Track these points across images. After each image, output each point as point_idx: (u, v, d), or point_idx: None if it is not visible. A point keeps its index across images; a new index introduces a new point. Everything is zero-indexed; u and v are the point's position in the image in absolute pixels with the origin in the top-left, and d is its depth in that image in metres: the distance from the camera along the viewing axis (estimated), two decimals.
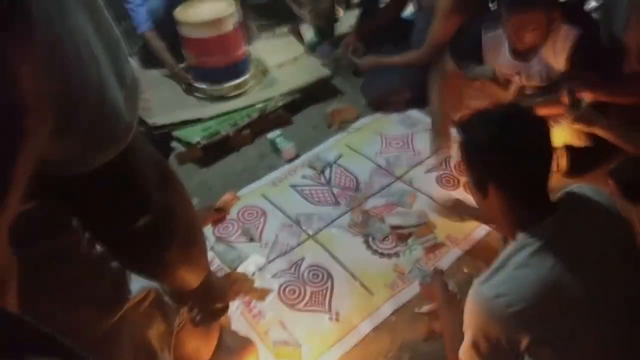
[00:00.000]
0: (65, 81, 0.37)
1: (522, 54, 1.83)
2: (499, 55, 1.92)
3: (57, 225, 0.51)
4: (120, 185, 0.48)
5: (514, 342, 0.91)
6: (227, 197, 1.97)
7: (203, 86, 2.47)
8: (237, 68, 2.47)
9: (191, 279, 0.76)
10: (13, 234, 0.40)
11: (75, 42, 0.37)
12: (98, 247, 0.65)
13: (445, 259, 1.68)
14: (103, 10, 0.43)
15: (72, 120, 0.39)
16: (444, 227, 1.79)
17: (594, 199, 1.03)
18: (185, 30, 2.33)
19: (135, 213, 0.52)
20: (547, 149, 1.00)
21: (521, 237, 0.97)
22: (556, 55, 1.78)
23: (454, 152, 2.06)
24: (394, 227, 1.77)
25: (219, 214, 1.91)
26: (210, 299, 0.96)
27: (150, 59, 2.68)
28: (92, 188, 0.46)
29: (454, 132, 2.09)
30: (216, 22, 2.28)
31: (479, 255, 1.68)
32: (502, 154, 0.97)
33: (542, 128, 1.00)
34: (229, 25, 2.31)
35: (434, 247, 1.72)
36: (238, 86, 2.48)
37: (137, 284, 0.76)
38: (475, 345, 0.96)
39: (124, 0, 2.52)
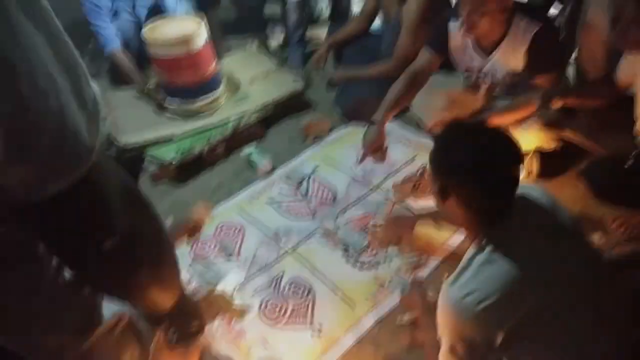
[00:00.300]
0: (20, 107, 0.35)
1: (484, 47, 1.91)
2: (466, 48, 1.98)
3: (23, 254, 0.48)
4: (85, 208, 0.47)
5: (489, 340, 0.94)
6: (200, 207, 1.91)
7: (174, 104, 2.45)
8: (208, 85, 2.45)
9: (164, 299, 0.73)
10: None
11: (31, 66, 0.36)
12: (66, 274, 0.62)
13: (426, 268, 1.69)
14: (61, 34, 0.41)
15: (30, 146, 0.37)
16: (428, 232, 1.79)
17: (537, 196, 1.10)
18: (153, 50, 2.30)
19: (102, 235, 0.50)
20: (515, 168, 1.02)
21: (482, 237, 1.01)
22: (516, 50, 1.84)
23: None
24: None
25: (193, 227, 1.87)
26: (186, 320, 0.93)
27: (119, 79, 2.65)
28: (56, 212, 0.44)
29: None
30: (185, 40, 2.26)
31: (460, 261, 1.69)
32: (470, 172, 1.00)
33: (512, 148, 1.02)
34: (198, 43, 2.30)
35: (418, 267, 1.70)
36: (210, 103, 2.46)
37: (109, 309, 0.74)
38: (452, 350, 0.99)
39: (90, 22, 2.49)
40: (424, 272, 1.67)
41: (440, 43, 2.05)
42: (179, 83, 2.38)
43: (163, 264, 0.65)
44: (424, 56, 2.05)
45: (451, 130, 1.10)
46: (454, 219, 1.11)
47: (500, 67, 1.95)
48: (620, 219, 1.70)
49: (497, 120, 1.87)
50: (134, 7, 2.75)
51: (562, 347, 0.96)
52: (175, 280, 0.72)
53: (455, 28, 1.97)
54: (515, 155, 1.01)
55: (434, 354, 1.10)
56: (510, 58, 1.88)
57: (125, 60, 2.48)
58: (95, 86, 0.45)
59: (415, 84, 2.02)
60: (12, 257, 0.46)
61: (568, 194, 1.80)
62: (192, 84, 2.38)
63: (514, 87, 1.98)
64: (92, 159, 0.43)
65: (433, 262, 1.70)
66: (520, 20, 1.80)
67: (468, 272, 0.98)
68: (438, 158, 1.07)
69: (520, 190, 1.07)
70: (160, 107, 2.47)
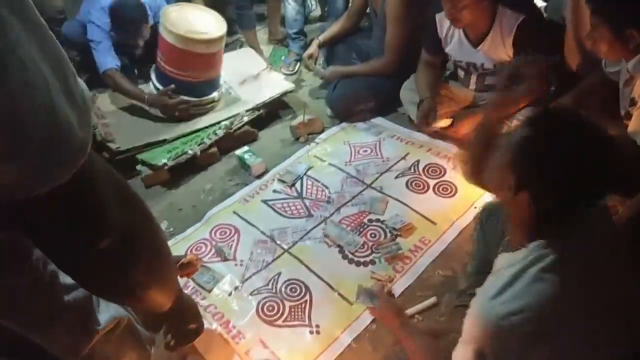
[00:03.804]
0: (11, 102, 0.35)
1: (472, 39, 1.95)
2: (453, 37, 2.01)
3: (17, 261, 0.48)
4: (77, 208, 0.46)
5: (525, 357, 0.87)
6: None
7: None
8: (213, 84, 2.47)
9: (162, 300, 0.73)
10: None
11: (19, 60, 0.36)
12: (60, 280, 0.62)
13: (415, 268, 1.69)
14: (45, 28, 0.41)
15: (21, 143, 0.37)
16: (422, 229, 1.81)
17: (601, 217, 0.99)
18: (172, 40, 2.24)
19: (96, 235, 0.50)
20: (607, 172, 0.89)
21: (534, 248, 0.90)
22: (503, 40, 1.87)
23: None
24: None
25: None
26: (184, 320, 0.93)
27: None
28: (49, 212, 0.43)
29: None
30: (214, 40, 2.25)
31: (453, 257, 1.70)
32: (561, 164, 0.86)
33: (612, 149, 0.89)
34: (221, 45, 2.30)
35: (396, 257, 1.72)
36: (210, 103, 2.45)
37: (107, 313, 0.73)
38: (479, 356, 0.90)
39: (91, 40, 2.44)
40: (417, 268, 1.67)
41: (434, 45, 2.10)
42: (186, 78, 2.35)
43: (160, 262, 0.65)
44: (424, 58, 2.17)
45: (545, 119, 0.95)
46: (515, 217, 0.98)
47: (488, 58, 1.97)
48: None
49: (492, 113, 1.88)
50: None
51: None
52: (173, 279, 0.72)
53: (442, 20, 2.00)
54: (612, 159, 0.88)
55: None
56: (499, 48, 1.91)
57: (121, 77, 2.44)
58: (82, 82, 0.44)
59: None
60: (5, 262, 0.46)
61: None
62: (199, 81, 2.37)
63: (505, 77, 1.99)
64: (86, 154, 0.43)
65: (406, 278, 1.66)
66: (504, 11, 1.83)
67: (514, 288, 0.87)
68: (526, 147, 0.91)
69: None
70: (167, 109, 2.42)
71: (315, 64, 2.72)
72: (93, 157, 0.46)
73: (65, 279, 0.61)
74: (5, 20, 0.35)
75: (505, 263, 0.93)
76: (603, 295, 0.89)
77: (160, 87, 2.41)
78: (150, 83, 2.51)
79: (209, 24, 2.30)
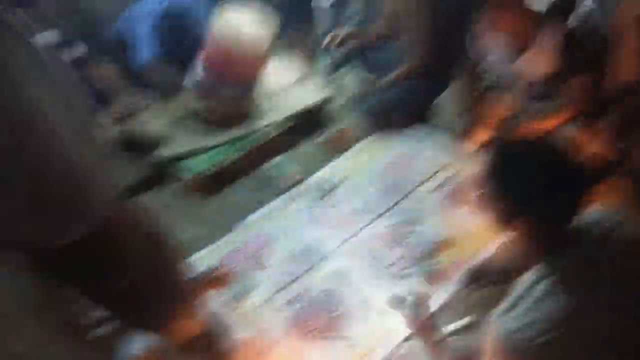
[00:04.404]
0: (29, 161, 0.36)
1: (512, 50, 1.89)
2: (493, 48, 1.98)
3: (48, 298, 0.50)
4: (102, 254, 0.47)
5: None
6: (222, 271, 1.83)
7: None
8: (249, 88, 2.48)
9: (189, 326, 0.74)
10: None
11: (35, 119, 0.36)
12: (92, 314, 0.63)
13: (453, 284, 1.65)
14: (66, 78, 0.41)
15: (39, 197, 0.37)
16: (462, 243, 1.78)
17: (608, 225, 1.00)
18: (220, 39, 2.28)
19: (119, 277, 0.51)
20: (582, 188, 0.95)
21: (540, 266, 0.94)
22: (545, 53, 1.81)
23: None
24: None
25: (219, 282, 1.75)
26: (216, 340, 0.94)
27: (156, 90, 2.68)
28: (74, 256, 0.45)
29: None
30: (261, 44, 2.30)
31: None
32: (543, 188, 0.92)
33: (579, 167, 0.95)
34: (266, 49, 2.34)
35: (433, 273, 1.69)
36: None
37: (139, 343, 0.75)
38: None
39: (129, 34, 2.51)
40: (434, 301, 1.59)
41: (473, 55, 2.06)
42: (227, 79, 2.37)
43: (182, 299, 0.66)
44: (463, 68, 2.12)
45: (510, 147, 1.02)
46: (519, 242, 1.02)
47: (532, 69, 1.92)
48: None
49: (533, 127, 1.83)
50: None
51: None
52: (196, 310, 0.73)
53: (481, 30, 1.96)
54: (582, 173, 0.94)
55: None
56: (541, 60, 1.85)
57: (163, 68, 2.50)
58: (103, 124, 0.45)
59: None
60: (40, 301, 0.48)
61: (616, 197, 1.72)
62: (241, 84, 2.40)
63: (548, 90, 1.94)
64: (106, 207, 0.44)
65: (442, 295, 1.61)
66: (548, 22, 1.78)
67: (525, 303, 0.90)
68: (499, 179, 0.98)
69: (589, 216, 0.99)
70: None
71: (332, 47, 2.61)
72: (124, 206, 0.47)
73: (97, 312, 0.62)
74: (25, 79, 0.36)
75: (518, 284, 0.97)
76: (610, 299, 0.90)
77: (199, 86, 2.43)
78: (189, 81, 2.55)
79: (256, 27, 2.33)
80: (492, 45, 2.02)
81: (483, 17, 1.82)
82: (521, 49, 1.89)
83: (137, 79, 2.58)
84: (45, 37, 2.22)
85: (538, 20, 1.78)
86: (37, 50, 0.40)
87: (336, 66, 2.87)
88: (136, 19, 2.54)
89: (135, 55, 2.52)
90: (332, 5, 2.85)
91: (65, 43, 2.30)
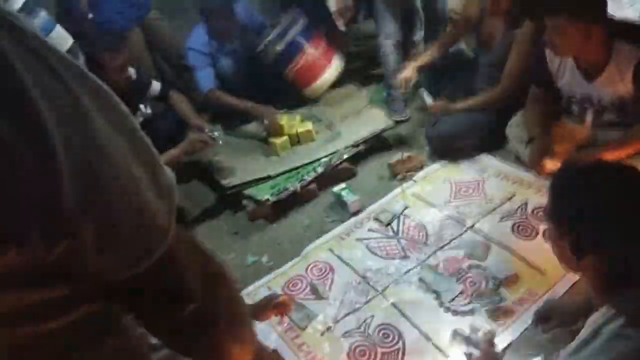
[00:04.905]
0: (104, 207, 0.40)
1: (586, 72, 1.82)
2: (566, 70, 1.90)
3: (109, 327, 0.54)
4: (159, 283, 0.51)
5: None
6: (285, 298, 1.80)
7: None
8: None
9: (251, 354, 0.76)
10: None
11: (114, 168, 0.40)
12: (149, 340, 0.67)
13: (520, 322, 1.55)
14: (138, 131, 0.45)
15: (112, 238, 0.41)
16: (529, 279, 1.67)
17: None
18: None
19: (177, 306, 0.54)
20: None
21: (609, 306, 0.89)
22: (622, 75, 1.70)
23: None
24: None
25: (281, 309, 1.78)
26: None
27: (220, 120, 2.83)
28: (133, 286, 0.48)
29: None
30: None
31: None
32: (620, 218, 0.88)
33: None
34: None
35: (498, 310, 1.60)
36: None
37: None
38: None
39: (192, 67, 2.70)
40: (499, 340, 1.47)
41: (544, 79, 1.98)
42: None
43: (239, 330, 0.68)
44: (534, 93, 2.06)
45: (585, 171, 0.97)
46: (588, 282, 0.99)
47: (605, 94, 1.80)
48: None
49: (611, 155, 1.71)
50: (234, 51, 2.91)
51: None
52: (251, 342, 0.75)
53: (552, 53, 1.88)
54: None
55: None
56: (617, 83, 1.74)
57: (225, 96, 2.66)
58: (169, 171, 0.49)
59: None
60: (100, 330, 0.52)
61: None
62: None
63: (623, 116, 1.81)
64: (167, 242, 0.47)
65: (509, 334, 1.52)
66: (622, 44, 1.68)
67: (595, 344, 0.86)
68: (571, 205, 0.92)
69: None
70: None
71: (410, 87, 2.57)
72: (180, 238, 0.50)
73: (153, 339, 0.66)
74: (102, 131, 0.40)
75: (586, 324, 0.93)
76: None
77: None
78: None
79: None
80: (562, 67, 1.93)
81: (554, 36, 1.73)
82: (595, 71, 1.79)
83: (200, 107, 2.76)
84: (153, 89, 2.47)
85: (612, 40, 1.69)
86: (106, 90, 0.44)
87: (405, 100, 2.83)
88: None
89: (199, 84, 2.71)
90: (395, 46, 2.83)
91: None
